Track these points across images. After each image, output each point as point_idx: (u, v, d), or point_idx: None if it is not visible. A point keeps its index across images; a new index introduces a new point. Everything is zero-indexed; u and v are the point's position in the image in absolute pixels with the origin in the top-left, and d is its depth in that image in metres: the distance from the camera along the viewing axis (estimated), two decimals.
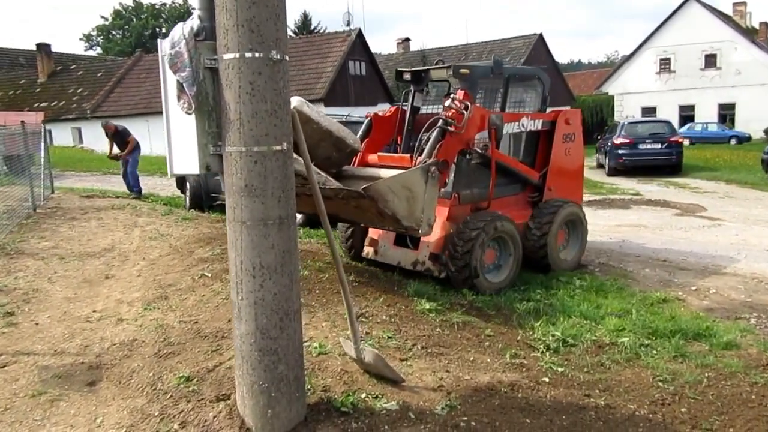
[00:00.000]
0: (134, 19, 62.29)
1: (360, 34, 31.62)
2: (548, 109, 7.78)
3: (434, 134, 6.26)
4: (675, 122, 39.27)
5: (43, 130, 13.14)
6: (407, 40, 48.04)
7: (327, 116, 5.19)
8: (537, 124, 7.37)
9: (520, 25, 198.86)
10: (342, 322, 4.91)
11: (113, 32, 64.48)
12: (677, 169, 19.33)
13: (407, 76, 7.37)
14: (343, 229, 7.58)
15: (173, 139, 3.31)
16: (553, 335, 5.07)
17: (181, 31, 3.09)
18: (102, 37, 64.89)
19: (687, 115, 39.96)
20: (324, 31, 48.23)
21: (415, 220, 5.33)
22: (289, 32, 56.09)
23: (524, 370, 4.31)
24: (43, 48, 37.76)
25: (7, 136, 13.26)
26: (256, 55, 2.96)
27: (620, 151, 18.96)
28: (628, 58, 43.43)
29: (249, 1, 2.90)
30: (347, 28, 32.39)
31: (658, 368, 4.52)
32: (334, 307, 5.27)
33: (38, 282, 6.11)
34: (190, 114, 3.07)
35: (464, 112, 6.23)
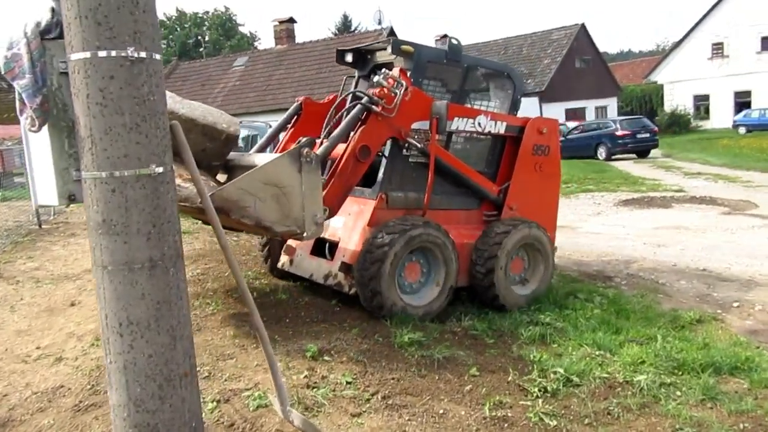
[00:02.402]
0: (177, 29, 62.82)
1: (392, 33, 30.85)
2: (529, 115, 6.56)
3: (352, 113, 5.08)
4: (730, 108, 37.29)
5: None
6: (445, 36, 46.88)
7: (188, 102, 4.29)
8: (499, 127, 5.99)
9: (564, 18, 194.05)
10: (302, 361, 4.24)
11: None
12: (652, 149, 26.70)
13: (349, 58, 6.27)
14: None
15: (34, 163, 2.70)
16: (554, 372, 4.26)
17: (23, 27, 2.47)
18: None
19: (743, 101, 37.63)
20: (365, 31, 47.66)
21: (294, 221, 4.06)
22: (330, 34, 55.74)
23: (505, 425, 3.52)
24: None
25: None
26: (110, 53, 2.32)
27: (621, 141, 26.04)
28: (677, 44, 41.22)
29: None
30: (378, 27, 31.67)
31: (679, 417, 3.70)
32: (299, 341, 4.60)
33: None
34: (34, 131, 2.45)
35: (397, 91, 5.15)
